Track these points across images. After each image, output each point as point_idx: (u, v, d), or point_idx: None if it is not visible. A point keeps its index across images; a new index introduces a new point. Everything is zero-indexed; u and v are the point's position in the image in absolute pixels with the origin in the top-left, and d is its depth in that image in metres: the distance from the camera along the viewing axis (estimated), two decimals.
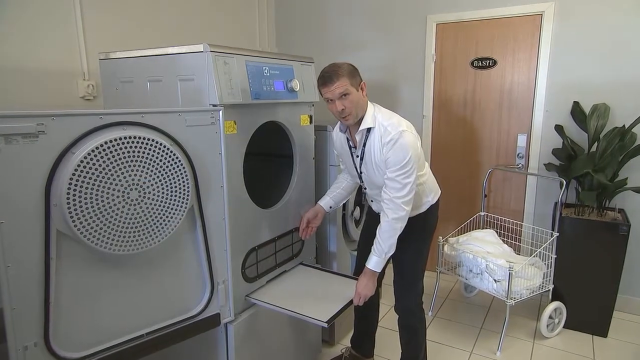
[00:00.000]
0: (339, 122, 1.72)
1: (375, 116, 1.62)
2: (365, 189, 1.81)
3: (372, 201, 1.86)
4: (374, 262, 1.66)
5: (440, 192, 1.88)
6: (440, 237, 2.61)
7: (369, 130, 1.63)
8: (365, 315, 2.08)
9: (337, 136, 1.80)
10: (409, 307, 1.86)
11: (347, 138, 1.73)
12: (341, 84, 1.53)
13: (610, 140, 2.40)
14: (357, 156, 1.71)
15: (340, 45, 3.32)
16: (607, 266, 2.36)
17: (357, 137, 1.66)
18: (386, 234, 1.62)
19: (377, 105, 1.67)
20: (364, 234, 2.02)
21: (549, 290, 2.41)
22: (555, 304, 2.42)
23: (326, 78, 1.55)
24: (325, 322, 1.57)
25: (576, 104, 2.61)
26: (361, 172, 1.74)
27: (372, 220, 1.93)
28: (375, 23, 3.18)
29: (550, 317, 2.42)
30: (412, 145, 1.56)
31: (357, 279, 1.87)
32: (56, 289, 1.18)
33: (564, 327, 2.51)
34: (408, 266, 1.82)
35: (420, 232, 1.79)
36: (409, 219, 1.64)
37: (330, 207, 1.94)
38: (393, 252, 1.65)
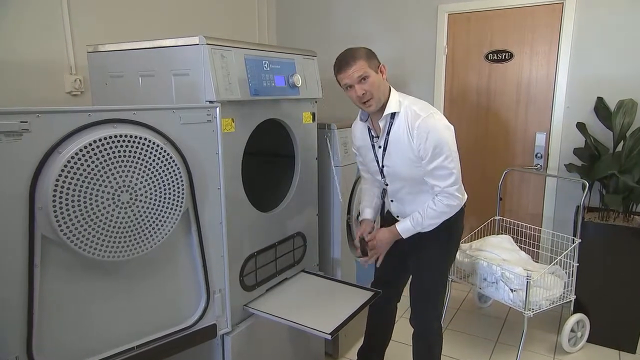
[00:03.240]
0: (359, 112, 1.72)
1: (401, 101, 1.61)
2: (386, 185, 1.78)
3: (392, 201, 1.83)
4: (405, 228, 1.66)
5: (466, 196, 1.83)
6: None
7: (392, 116, 1.62)
8: (378, 328, 2.05)
9: (357, 127, 1.78)
10: (427, 321, 1.81)
11: (369, 127, 1.72)
12: (359, 67, 1.53)
13: (638, 138, 2.38)
14: (380, 147, 1.69)
15: (344, 37, 3.32)
16: (635, 275, 2.34)
17: (381, 124, 1.64)
18: (433, 213, 1.61)
19: (400, 92, 1.66)
20: None
21: (570, 301, 2.39)
22: (578, 316, 2.40)
23: (342, 62, 1.55)
24: (329, 334, 1.57)
25: (600, 100, 2.59)
26: (383, 166, 1.72)
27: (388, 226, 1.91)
28: (382, 14, 3.18)
29: (572, 330, 2.40)
30: (445, 127, 1.56)
31: (363, 288, 1.86)
32: (40, 298, 1.18)
33: (587, 341, 2.48)
34: (429, 276, 1.78)
35: (445, 240, 1.75)
36: None
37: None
38: (428, 230, 1.65)
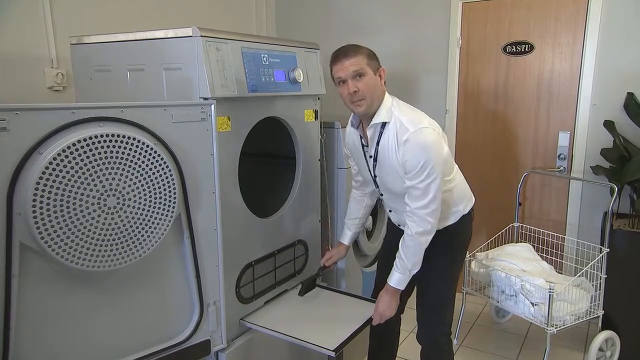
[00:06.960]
0: (352, 115, 1.71)
1: (392, 110, 1.61)
2: (381, 195, 1.81)
3: (390, 211, 1.85)
4: (396, 279, 1.66)
5: (474, 199, 1.86)
6: (467, 252, 2.59)
7: (383, 125, 1.62)
8: (381, 344, 2.06)
9: (350, 132, 1.79)
10: (434, 337, 1.83)
11: (360, 135, 1.73)
12: (357, 61, 1.53)
13: None
14: (370, 156, 1.70)
15: (349, 29, 3.33)
16: None
17: (369, 133, 1.65)
18: (410, 250, 1.62)
19: (395, 98, 1.67)
20: (384, 249, 2.01)
21: (598, 316, 2.38)
22: (606, 333, 2.39)
23: (340, 53, 1.56)
24: (333, 351, 1.57)
25: (630, 96, 2.58)
26: (375, 176, 1.74)
27: (392, 233, 1.92)
28: (391, 2, 3.18)
29: (600, 349, 2.38)
30: (434, 144, 1.55)
31: (370, 300, 1.86)
32: (18, 313, 1.18)
33: None
34: (434, 288, 1.80)
35: (449, 248, 1.76)
36: (436, 231, 1.63)
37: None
38: (418, 269, 1.65)
